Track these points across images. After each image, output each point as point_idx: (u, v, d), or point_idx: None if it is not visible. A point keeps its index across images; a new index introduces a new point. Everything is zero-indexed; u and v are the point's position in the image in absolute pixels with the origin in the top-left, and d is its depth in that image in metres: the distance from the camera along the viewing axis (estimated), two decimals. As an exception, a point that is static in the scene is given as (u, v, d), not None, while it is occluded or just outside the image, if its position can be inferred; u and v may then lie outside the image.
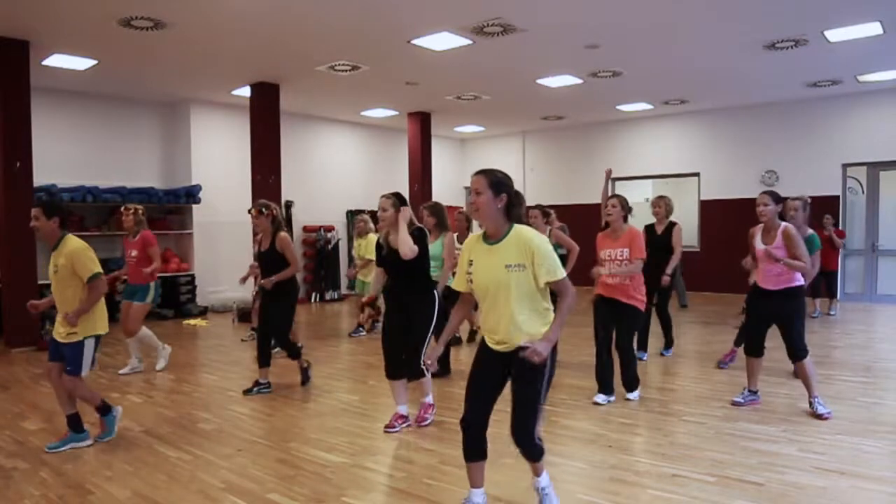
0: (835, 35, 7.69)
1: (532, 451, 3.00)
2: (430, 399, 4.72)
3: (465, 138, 16.16)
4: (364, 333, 8.49)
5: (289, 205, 11.99)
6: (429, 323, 4.46)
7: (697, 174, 13.01)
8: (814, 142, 11.65)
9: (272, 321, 5.60)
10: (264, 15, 6.84)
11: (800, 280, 4.74)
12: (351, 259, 13.46)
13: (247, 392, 5.58)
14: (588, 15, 7.03)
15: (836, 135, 11.45)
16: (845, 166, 11.52)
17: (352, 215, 13.58)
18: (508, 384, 3.00)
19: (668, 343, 6.99)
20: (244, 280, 6.17)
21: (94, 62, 8.43)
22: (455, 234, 7.54)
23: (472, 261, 3.01)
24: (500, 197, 2.92)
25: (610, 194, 5.41)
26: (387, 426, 4.54)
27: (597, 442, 4.22)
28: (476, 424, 2.98)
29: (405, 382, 4.58)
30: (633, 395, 5.19)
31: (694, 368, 6.38)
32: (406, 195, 14.64)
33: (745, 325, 5.20)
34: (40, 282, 8.38)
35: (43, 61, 8.16)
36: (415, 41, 7.79)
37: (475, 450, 3.01)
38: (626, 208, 5.15)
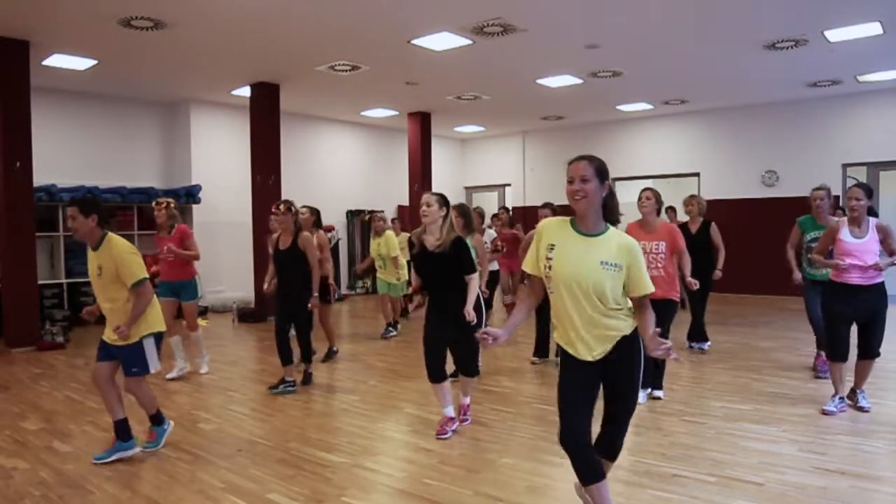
0: (835, 35, 7.69)
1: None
2: (468, 399, 4.68)
3: (465, 138, 16.17)
4: (395, 333, 8.25)
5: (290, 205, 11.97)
6: (478, 327, 4.26)
7: (697, 174, 13.01)
8: (814, 142, 11.65)
9: (296, 321, 5.60)
10: (264, 15, 6.84)
11: (883, 276, 4.62)
12: (352, 260, 13.49)
13: (273, 388, 5.56)
14: (588, 15, 7.03)
15: (836, 135, 11.45)
16: (845, 166, 11.51)
17: (352, 215, 13.59)
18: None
19: (700, 335, 7.04)
20: (268, 285, 5.96)
21: (94, 62, 8.43)
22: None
23: (552, 245, 2.69)
24: (605, 185, 2.68)
25: (644, 187, 5.25)
26: (438, 432, 4.38)
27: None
28: (589, 444, 2.70)
29: (449, 385, 4.49)
30: (660, 393, 5.13)
31: (694, 368, 6.37)
32: (406, 195, 14.70)
33: (827, 328, 4.89)
34: (40, 282, 8.41)
35: (43, 61, 8.16)
36: (415, 41, 7.79)
37: (593, 471, 2.69)
38: (660, 201, 5.08)
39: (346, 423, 4.77)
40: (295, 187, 11.97)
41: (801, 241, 5.87)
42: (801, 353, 6.68)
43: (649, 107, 12.36)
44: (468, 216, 5.59)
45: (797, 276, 5.91)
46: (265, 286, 6.04)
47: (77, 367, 6.78)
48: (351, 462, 3.95)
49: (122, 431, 3.96)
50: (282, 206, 5.54)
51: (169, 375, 6.10)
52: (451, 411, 4.47)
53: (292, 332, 5.71)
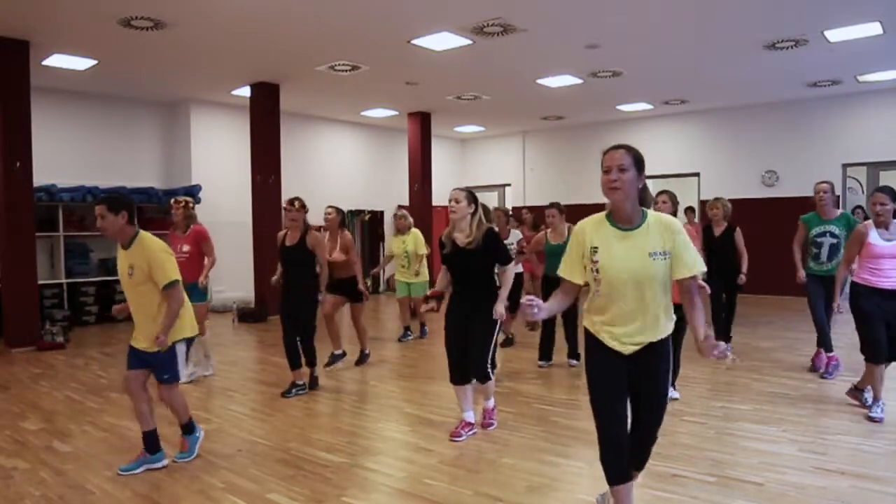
0: (835, 35, 7.69)
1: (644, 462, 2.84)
2: (492, 403, 4.55)
3: (465, 138, 16.16)
4: (412, 337, 8.02)
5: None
6: (494, 327, 4.26)
7: (697, 174, 13.01)
8: (814, 142, 11.65)
9: (300, 323, 5.48)
10: (264, 15, 6.84)
11: None
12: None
13: (285, 394, 5.43)
14: (588, 15, 7.03)
15: (836, 135, 11.44)
16: (845, 166, 11.52)
17: (352, 215, 13.58)
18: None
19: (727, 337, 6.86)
20: (276, 281, 5.81)
21: (94, 62, 8.43)
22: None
23: (596, 248, 2.59)
24: (641, 176, 2.60)
25: (660, 190, 5.18)
26: (452, 434, 4.31)
27: (597, 442, 4.20)
28: (622, 444, 2.65)
29: (471, 387, 4.38)
30: (675, 394, 5.09)
31: (695, 368, 6.37)
32: (406, 195, 14.68)
33: (864, 332, 4.68)
34: (40, 282, 8.40)
35: (43, 61, 8.16)
36: (415, 41, 7.79)
37: (621, 472, 2.67)
38: (676, 203, 5.05)
39: (346, 423, 4.77)
40: (295, 187, 11.94)
41: (807, 238, 5.85)
42: (801, 353, 6.68)
43: (649, 107, 12.36)
44: (486, 213, 5.52)
45: (801, 275, 5.89)
46: (272, 279, 5.84)
47: (77, 367, 6.78)
48: (351, 462, 3.94)
49: (151, 443, 3.80)
50: (296, 203, 5.41)
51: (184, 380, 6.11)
52: (470, 416, 4.37)
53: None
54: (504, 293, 4.21)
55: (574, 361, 6.35)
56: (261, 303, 10.14)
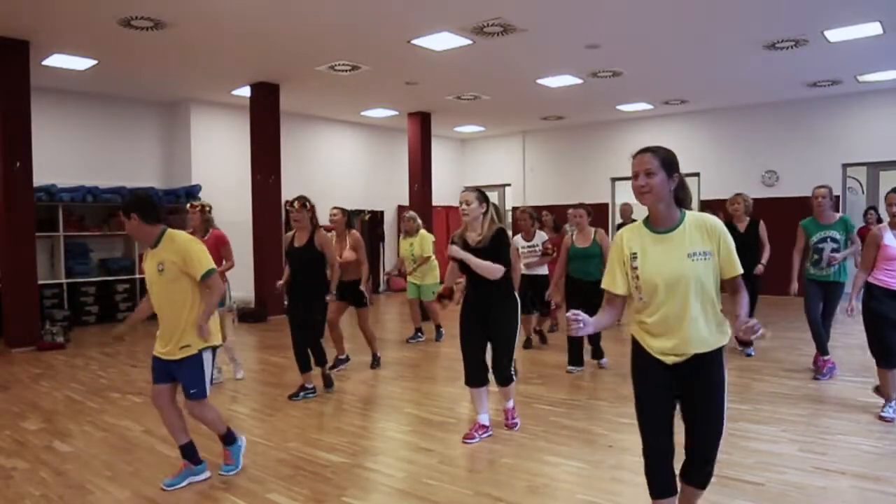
0: (835, 35, 7.69)
1: (707, 479, 2.66)
2: (511, 402, 4.51)
3: (465, 138, 16.16)
4: (423, 337, 7.91)
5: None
6: (514, 329, 4.25)
7: (697, 174, 13.00)
8: (814, 142, 11.65)
9: (309, 324, 5.36)
10: (264, 15, 6.84)
11: None
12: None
13: (292, 397, 5.36)
14: (588, 15, 7.03)
15: (836, 135, 11.45)
16: (845, 166, 11.52)
17: (352, 215, 13.56)
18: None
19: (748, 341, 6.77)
20: (282, 285, 5.65)
21: (94, 62, 8.43)
22: (520, 234, 7.35)
23: (635, 254, 2.54)
24: (674, 177, 2.51)
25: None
26: (465, 436, 4.26)
27: (597, 442, 4.22)
28: (666, 456, 2.56)
29: (487, 390, 4.34)
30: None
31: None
32: (406, 195, 14.66)
33: (874, 336, 4.66)
34: (40, 282, 8.40)
35: (43, 61, 8.16)
36: (415, 41, 7.79)
37: (663, 485, 2.57)
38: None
39: (346, 423, 4.77)
40: (295, 187, 11.94)
41: (808, 244, 5.85)
42: (801, 353, 6.68)
43: (649, 107, 12.36)
44: (497, 211, 5.49)
45: (794, 287, 5.97)
46: (279, 283, 5.67)
47: (77, 367, 6.79)
48: (351, 462, 3.94)
49: (190, 456, 3.64)
50: (296, 203, 5.26)
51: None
52: (485, 419, 4.33)
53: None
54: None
55: (602, 361, 6.29)
56: (261, 303, 10.14)
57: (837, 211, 7.41)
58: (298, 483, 3.62)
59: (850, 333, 8.22)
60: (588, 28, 7.49)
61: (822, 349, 5.84)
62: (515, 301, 4.31)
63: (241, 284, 10.89)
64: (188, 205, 5.98)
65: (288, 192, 11.13)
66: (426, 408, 5.07)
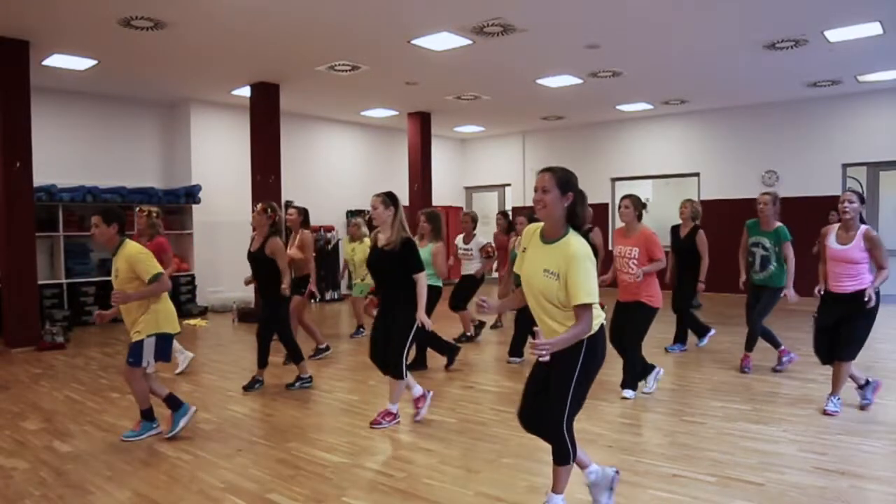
0: (835, 35, 7.69)
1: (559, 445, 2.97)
2: (395, 407, 4.65)
3: (465, 138, 16.16)
4: (364, 333, 8.33)
5: (289, 205, 11.96)
6: (409, 329, 4.45)
7: (697, 174, 13.02)
8: (814, 142, 11.65)
9: (272, 324, 5.69)
10: (264, 15, 6.84)
11: (868, 281, 4.54)
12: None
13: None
14: (588, 15, 7.03)
15: (836, 135, 11.45)
16: (845, 166, 11.52)
17: (352, 215, 13.57)
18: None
19: (679, 338, 7.17)
20: (247, 281, 6.15)
21: (94, 62, 8.43)
22: (461, 235, 7.52)
23: (525, 249, 2.99)
24: (567, 196, 2.81)
25: (624, 194, 5.41)
26: (372, 422, 4.61)
27: (597, 442, 4.22)
28: (529, 415, 3.04)
29: (409, 380, 4.69)
30: (630, 394, 5.20)
31: (695, 368, 6.37)
32: (406, 195, 14.62)
33: (816, 333, 4.88)
34: (40, 282, 8.40)
35: (43, 61, 8.16)
36: (415, 41, 7.79)
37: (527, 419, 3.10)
38: (639, 207, 5.21)
39: (346, 423, 4.77)
40: (295, 187, 11.99)
41: (746, 244, 6.07)
42: (801, 353, 6.67)
43: (649, 107, 12.36)
44: (437, 222, 5.85)
45: (742, 282, 6.20)
46: (245, 279, 6.16)
47: (77, 367, 6.79)
48: (351, 462, 3.95)
49: (173, 404, 4.40)
50: (258, 206, 5.64)
51: (178, 371, 6.33)
52: (394, 408, 4.62)
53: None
54: (420, 301, 4.43)
55: (514, 360, 6.62)
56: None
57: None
58: (298, 483, 3.62)
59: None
60: (588, 28, 7.49)
61: (749, 347, 6.10)
62: (413, 307, 4.44)
63: (241, 284, 10.88)
64: (137, 209, 6.47)
65: (288, 193, 11.15)
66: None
